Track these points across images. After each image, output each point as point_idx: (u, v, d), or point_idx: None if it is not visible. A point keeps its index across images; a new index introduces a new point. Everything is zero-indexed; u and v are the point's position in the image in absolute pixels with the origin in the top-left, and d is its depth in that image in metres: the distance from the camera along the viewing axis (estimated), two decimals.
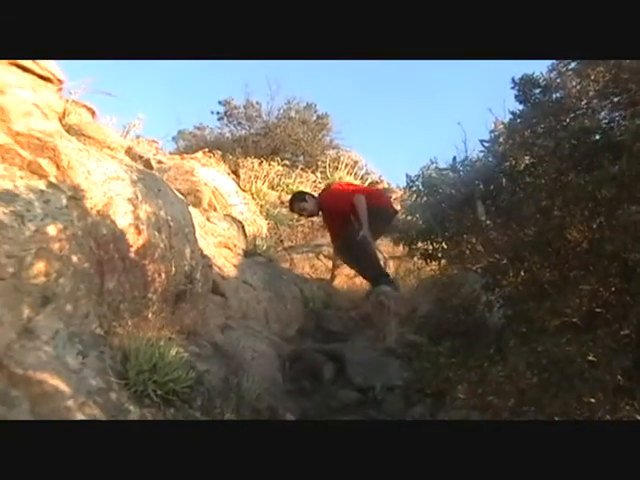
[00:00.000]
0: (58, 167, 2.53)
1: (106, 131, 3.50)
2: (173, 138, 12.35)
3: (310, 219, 6.79)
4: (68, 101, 3.21)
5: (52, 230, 2.30)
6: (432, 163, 2.73)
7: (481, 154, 2.37)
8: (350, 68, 25.63)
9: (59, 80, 3.02)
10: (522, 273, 2.01)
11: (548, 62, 2.26)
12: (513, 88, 2.28)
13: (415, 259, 3.49)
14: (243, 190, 7.84)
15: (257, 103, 11.86)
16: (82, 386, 2.10)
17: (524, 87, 2.23)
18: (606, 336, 1.75)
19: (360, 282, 5.62)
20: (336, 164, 10.05)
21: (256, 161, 9.26)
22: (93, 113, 3.61)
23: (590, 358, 1.73)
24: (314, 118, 12.08)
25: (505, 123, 2.55)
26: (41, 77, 2.86)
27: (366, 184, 9.24)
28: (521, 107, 2.30)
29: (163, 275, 2.97)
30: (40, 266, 2.20)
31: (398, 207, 5.55)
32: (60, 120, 2.95)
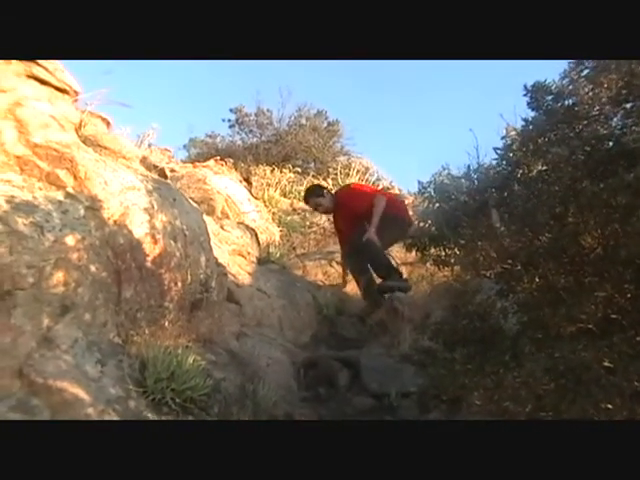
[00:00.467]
0: (75, 178, 2.58)
1: (121, 141, 3.55)
2: (185, 146, 12.49)
3: (321, 227, 6.78)
4: (84, 112, 3.25)
5: (70, 240, 2.34)
6: (444, 169, 2.74)
7: (494, 162, 2.37)
8: (359, 71, 25.76)
9: (75, 92, 3.07)
10: (537, 279, 2.01)
11: (559, 69, 2.26)
12: (525, 95, 2.28)
13: (428, 265, 3.49)
14: (255, 198, 7.86)
15: (268, 110, 11.98)
16: (101, 394, 2.13)
17: (536, 94, 2.23)
18: (622, 342, 1.74)
19: None
20: (347, 170, 10.07)
21: (268, 168, 9.34)
22: (108, 124, 3.65)
23: (606, 364, 1.73)
24: (325, 125, 12.16)
25: (517, 129, 2.55)
26: (58, 89, 2.92)
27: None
28: (533, 114, 2.30)
29: (179, 284, 3.00)
30: (59, 276, 2.24)
31: (410, 212, 5.55)
32: (77, 131, 3.00)
